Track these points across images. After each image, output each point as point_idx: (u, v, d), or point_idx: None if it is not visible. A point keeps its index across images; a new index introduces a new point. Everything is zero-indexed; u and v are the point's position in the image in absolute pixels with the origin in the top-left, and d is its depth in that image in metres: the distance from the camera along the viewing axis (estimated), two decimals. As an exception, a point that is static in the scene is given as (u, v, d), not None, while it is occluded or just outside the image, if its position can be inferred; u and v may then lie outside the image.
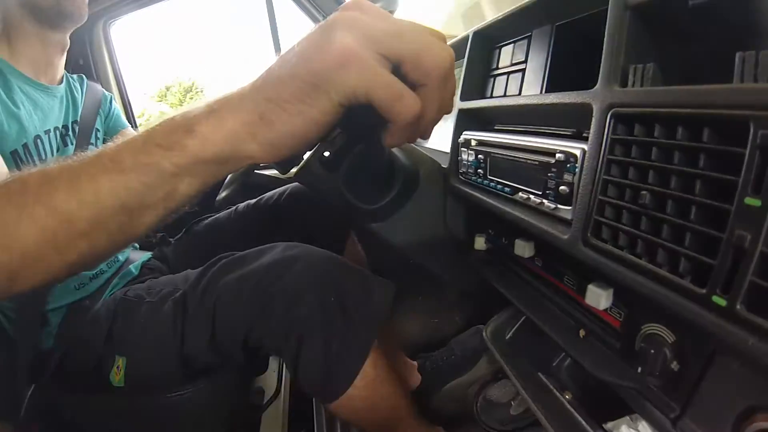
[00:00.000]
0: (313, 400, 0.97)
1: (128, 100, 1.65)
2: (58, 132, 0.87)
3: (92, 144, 0.94)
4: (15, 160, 0.74)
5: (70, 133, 0.90)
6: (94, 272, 0.86)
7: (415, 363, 1.07)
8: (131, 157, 0.31)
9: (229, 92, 0.32)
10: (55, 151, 0.84)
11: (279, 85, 0.30)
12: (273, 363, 1.14)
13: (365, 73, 0.27)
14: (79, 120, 0.93)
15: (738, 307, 0.28)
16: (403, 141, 0.33)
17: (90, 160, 0.32)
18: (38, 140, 0.79)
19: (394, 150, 0.67)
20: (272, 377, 1.12)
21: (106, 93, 1.06)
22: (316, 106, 0.29)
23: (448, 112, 0.33)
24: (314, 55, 0.28)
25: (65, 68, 0.96)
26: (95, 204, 0.31)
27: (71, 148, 0.88)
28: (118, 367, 0.69)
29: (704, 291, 0.30)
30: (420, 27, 0.30)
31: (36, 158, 0.78)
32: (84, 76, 1.03)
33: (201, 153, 0.31)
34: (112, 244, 0.34)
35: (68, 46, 0.91)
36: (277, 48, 1.67)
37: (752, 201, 0.27)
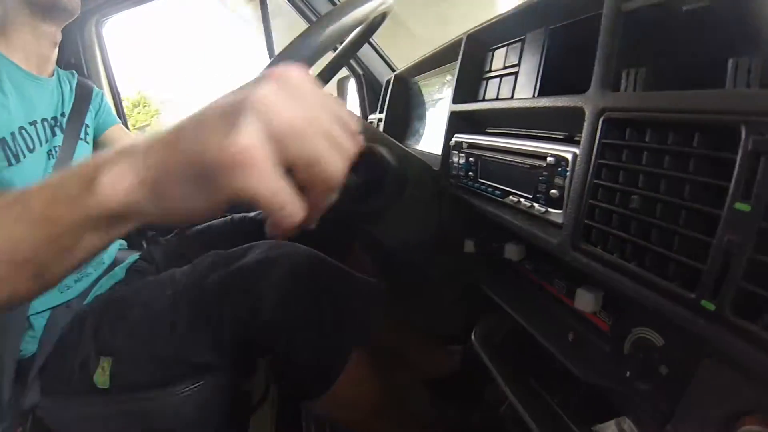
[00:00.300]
0: (302, 403, 0.96)
1: (119, 99, 1.65)
2: (46, 123, 0.86)
3: (81, 139, 0.93)
4: (3, 148, 0.74)
5: (59, 125, 0.90)
6: (78, 274, 0.84)
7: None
8: (41, 207, 0.30)
9: (143, 138, 0.29)
10: (44, 141, 0.84)
11: (166, 159, 0.28)
12: (261, 365, 1.13)
13: (256, 180, 0.26)
14: (67, 113, 0.93)
15: (726, 311, 0.28)
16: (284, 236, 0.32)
17: (8, 203, 0.30)
18: (23, 131, 0.79)
19: (384, 153, 0.67)
20: (260, 380, 1.11)
21: (97, 89, 1.05)
22: (198, 195, 0.27)
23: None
24: (211, 145, 0.26)
25: (57, 66, 0.95)
26: (9, 252, 0.30)
27: (59, 137, 0.88)
28: (102, 369, 0.68)
29: (693, 295, 0.30)
30: (328, 124, 0.28)
31: (24, 148, 0.78)
32: (75, 72, 1.03)
33: (98, 210, 0.28)
34: (33, 289, 0.32)
35: (60, 40, 0.90)
36: (271, 51, 1.66)
37: (742, 206, 0.27)
